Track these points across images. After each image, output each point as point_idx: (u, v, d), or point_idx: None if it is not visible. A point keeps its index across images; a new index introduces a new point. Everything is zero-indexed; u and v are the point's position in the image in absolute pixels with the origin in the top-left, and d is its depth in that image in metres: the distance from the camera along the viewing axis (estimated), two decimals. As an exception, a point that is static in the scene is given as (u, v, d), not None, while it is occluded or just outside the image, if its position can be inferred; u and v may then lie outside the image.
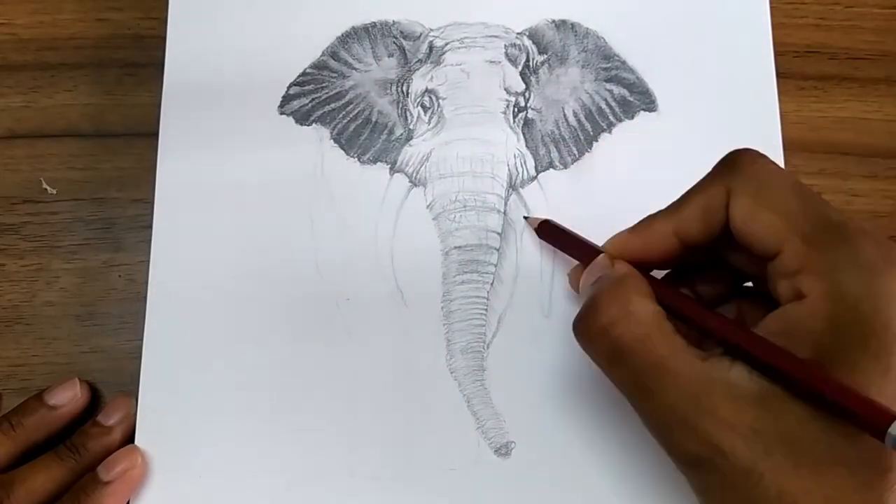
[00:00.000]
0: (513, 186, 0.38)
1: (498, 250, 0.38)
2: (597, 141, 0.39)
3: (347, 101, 0.40)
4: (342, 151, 0.39)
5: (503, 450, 0.35)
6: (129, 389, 0.36)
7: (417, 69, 0.40)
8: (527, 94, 0.39)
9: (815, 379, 0.24)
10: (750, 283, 0.31)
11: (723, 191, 0.28)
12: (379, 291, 0.37)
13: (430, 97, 0.39)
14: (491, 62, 0.39)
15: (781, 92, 0.40)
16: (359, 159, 0.39)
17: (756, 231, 0.27)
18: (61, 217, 0.39)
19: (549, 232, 0.36)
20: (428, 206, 0.38)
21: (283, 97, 0.39)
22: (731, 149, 0.29)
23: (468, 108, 0.39)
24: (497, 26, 0.40)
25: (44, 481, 0.34)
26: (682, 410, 0.25)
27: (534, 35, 0.40)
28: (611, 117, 0.39)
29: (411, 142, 0.39)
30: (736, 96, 0.40)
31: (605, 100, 0.40)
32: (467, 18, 0.40)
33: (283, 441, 0.35)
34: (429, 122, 0.39)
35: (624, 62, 0.40)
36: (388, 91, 0.40)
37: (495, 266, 0.37)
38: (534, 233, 0.37)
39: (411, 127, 0.39)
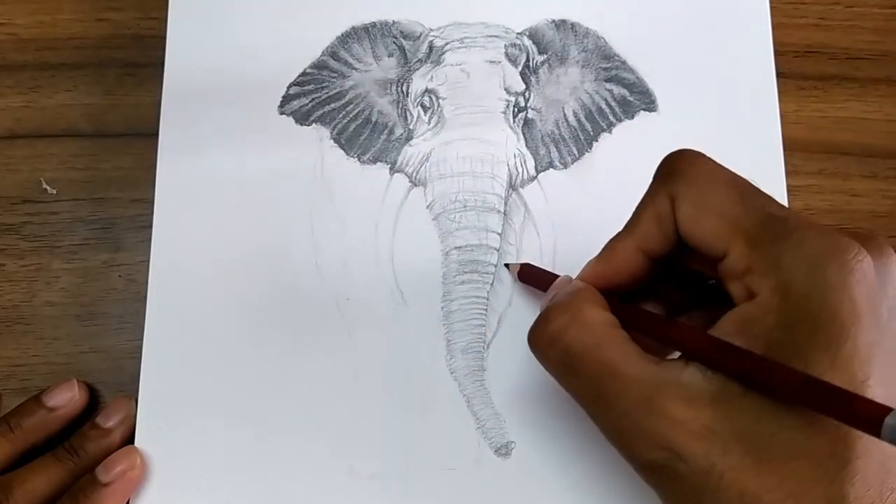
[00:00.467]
0: (513, 186, 0.38)
1: (498, 250, 0.38)
2: (597, 141, 0.39)
3: (347, 101, 0.40)
4: (342, 151, 0.39)
5: (503, 450, 0.35)
6: (129, 390, 0.36)
7: (417, 69, 0.40)
8: (527, 94, 0.39)
9: (786, 377, 0.23)
10: (713, 281, 0.31)
11: (667, 198, 0.28)
12: (379, 291, 0.37)
13: (430, 97, 0.39)
14: (491, 62, 0.39)
15: (781, 92, 0.40)
16: (359, 159, 0.39)
17: (701, 235, 0.27)
18: (61, 217, 0.39)
19: (530, 275, 0.36)
20: (428, 206, 0.38)
21: (283, 97, 0.39)
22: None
23: (468, 108, 0.39)
24: (497, 26, 0.40)
25: (42, 483, 0.33)
26: (636, 415, 0.25)
27: (534, 35, 0.40)
28: (611, 117, 0.39)
29: (411, 142, 0.39)
30: (736, 96, 0.40)
31: (605, 100, 0.40)
32: (467, 18, 0.40)
33: (282, 441, 0.35)
34: (429, 122, 0.39)
35: (624, 62, 0.40)
36: (388, 91, 0.40)
37: (495, 266, 0.37)
38: (532, 229, 0.37)
39: (411, 127, 0.39)
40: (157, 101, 0.39)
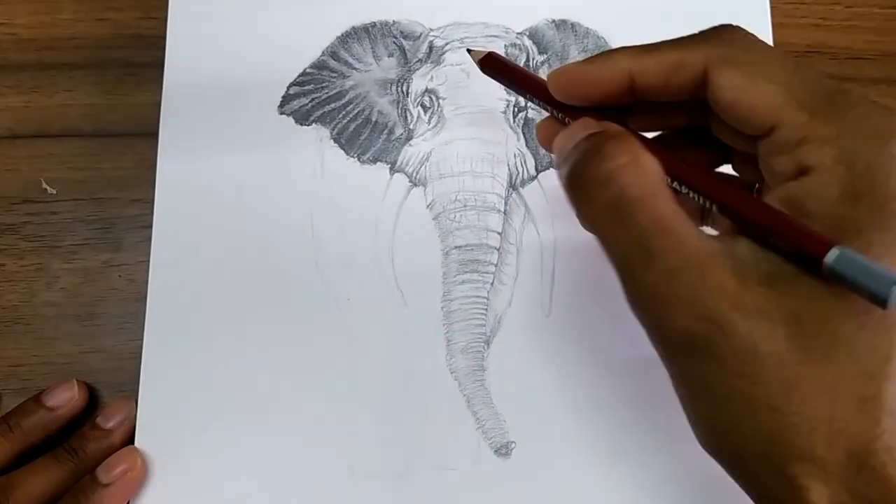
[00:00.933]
0: (513, 186, 0.38)
1: (498, 250, 0.38)
2: (597, 141, 0.39)
3: (347, 101, 0.40)
4: (342, 151, 0.39)
5: (503, 450, 0.35)
6: (129, 390, 0.36)
7: (417, 69, 0.40)
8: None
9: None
10: (723, 169, 0.30)
11: (700, 59, 0.25)
12: (379, 291, 0.37)
13: (430, 97, 0.39)
14: (491, 62, 0.39)
15: (781, 92, 0.40)
16: (359, 159, 0.39)
17: (749, 104, 0.24)
18: (61, 217, 0.39)
19: (493, 66, 0.32)
20: (428, 206, 0.38)
21: (283, 97, 0.39)
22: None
23: (468, 107, 0.39)
24: (497, 26, 0.40)
25: (42, 483, 0.33)
26: (684, 278, 0.23)
27: (534, 35, 0.40)
28: (611, 117, 0.39)
29: (411, 142, 0.39)
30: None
31: (606, 100, 0.40)
32: (467, 18, 0.40)
33: (282, 441, 0.35)
34: (429, 122, 0.39)
35: (624, 62, 0.40)
36: (388, 91, 0.40)
37: (495, 266, 0.37)
38: (533, 229, 0.37)
39: (411, 127, 0.39)
40: (157, 101, 0.39)
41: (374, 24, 0.40)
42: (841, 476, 0.22)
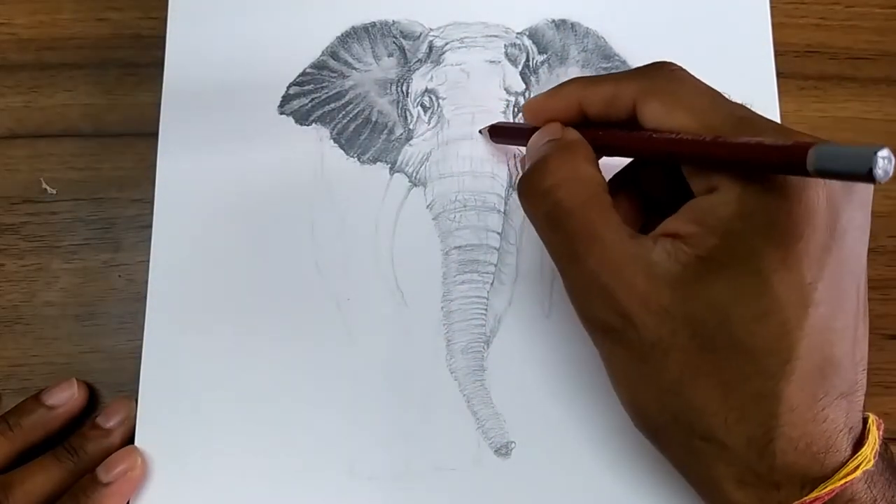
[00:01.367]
0: (513, 186, 0.38)
1: (498, 250, 0.38)
2: (597, 141, 0.39)
3: (347, 100, 0.40)
4: (342, 151, 0.39)
5: (503, 450, 0.35)
6: (129, 390, 0.36)
7: (417, 69, 0.40)
8: (527, 94, 0.39)
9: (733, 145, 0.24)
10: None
11: (631, 91, 0.29)
12: (379, 291, 0.37)
13: (430, 97, 0.39)
14: (491, 62, 0.39)
15: (781, 92, 0.40)
16: (359, 159, 0.39)
17: (668, 130, 0.28)
18: (61, 217, 0.39)
19: (499, 132, 0.37)
20: (428, 206, 0.38)
21: (283, 97, 0.39)
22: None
23: (468, 107, 0.39)
24: (497, 26, 0.40)
25: (42, 483, 0.33)
26: (604, 279, 0.26)
27: (534, 35, 0.40)
28: (611, 117, 0.39)
29: (411, 142, 0.39)
30: (736, 96, 0.39)
31: (605, 100, 0.40)
32: (467, 18, 0.40)
33: (282, 441, 0.35)
34: (429, 122, 0.39)
35: (624, 62, 0.40)
36: (388, 91, 0.40)
37: (495, 266, 0.37)
38: (535, 233, 0.37)
39: (411, 127, 0.39)
40: (157, 101, 0.39)
41: (373, 24, 0.40)
42: (742, 458, 0.25)
